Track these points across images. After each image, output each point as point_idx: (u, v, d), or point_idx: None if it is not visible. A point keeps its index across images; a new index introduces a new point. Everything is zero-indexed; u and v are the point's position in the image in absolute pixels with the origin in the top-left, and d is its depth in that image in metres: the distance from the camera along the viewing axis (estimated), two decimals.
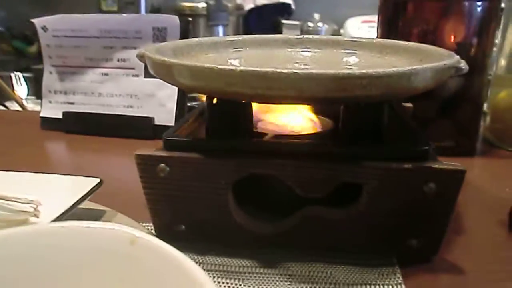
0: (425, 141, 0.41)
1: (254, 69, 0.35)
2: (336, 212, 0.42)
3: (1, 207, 0.40)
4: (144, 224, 0.47)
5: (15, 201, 0.42)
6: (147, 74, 0.79)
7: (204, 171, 0.41)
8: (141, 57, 0.45)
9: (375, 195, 0.40)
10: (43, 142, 0.81)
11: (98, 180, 0.49)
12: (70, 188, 0.49)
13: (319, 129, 0.49)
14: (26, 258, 0.28)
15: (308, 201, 0.42)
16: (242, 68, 0.35)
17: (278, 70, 0.34)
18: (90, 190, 0.47)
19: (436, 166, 0.39)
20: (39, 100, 0.89)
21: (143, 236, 0.29)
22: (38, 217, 0.43)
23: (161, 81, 0.47)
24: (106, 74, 0.81)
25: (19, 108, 1.26)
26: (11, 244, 0.29)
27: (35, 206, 0.42)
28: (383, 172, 0.39)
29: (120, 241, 0.30)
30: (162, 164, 0.41)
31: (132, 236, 0.30)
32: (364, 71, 0.34)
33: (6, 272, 0.28)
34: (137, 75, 0.80)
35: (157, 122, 0.78)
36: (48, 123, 0.85)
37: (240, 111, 0.44)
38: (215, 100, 0.43)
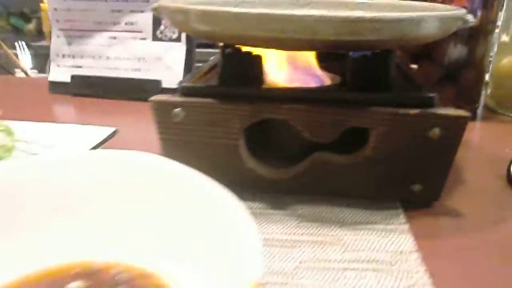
0: (430, 90, 0.43)
1: (270, 12, 0.36)
2: (343, 157, 0.44)
3: None
4: None
5: None
6: (155, 38, 0.80)
7: (218, 116, 0.43)
8: (156, 10, 0.46)
9: (381, 140, 0.42)
10: (52, 105, 0.83)
11: (114, 129, 0.50)
12: (86, 136, 0.51)
13: (328, 83, 0.51)
14: (68, 179, 0.30)
15: (317, 147, 0.44)
16: (258, 11, 0.36)
17: (293, 12, 0.35)
18: (106, 137, 0.48)
19: (441, 112, 0.40)
20: (41, 74, 0.90)
21: (164, 160, 0.31)
22: None
23: (168, 44, 0.49)
24: (114, 38, 0.82)
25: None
26: (54, 169, 0.31)
27: None
28: (390, 117, 0.41)
29: (143, 164, 0.32)
30: (178, 109, 0.43)
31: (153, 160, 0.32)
32: (375, 14, 0.36)
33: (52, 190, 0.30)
34: (144, 38, 0.81)
35: (164, 85, 0.79)
36: (56, 87, 0.86)
37: (253, 61, 0.45)
38: (229, 50, 0.45)
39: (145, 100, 0.44)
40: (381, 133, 0.42)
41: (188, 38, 0.79)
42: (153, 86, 0.79)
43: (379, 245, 0.38)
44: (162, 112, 0.43)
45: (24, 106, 0.79)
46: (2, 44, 1.21)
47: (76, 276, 0.28)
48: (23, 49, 1.50)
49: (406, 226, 0.41)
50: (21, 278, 0.28)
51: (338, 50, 0.51)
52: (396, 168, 0.43)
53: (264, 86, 0.46)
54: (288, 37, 0.37)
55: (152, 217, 0.30)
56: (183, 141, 0.44)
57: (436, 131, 0.40)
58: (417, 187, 0.44)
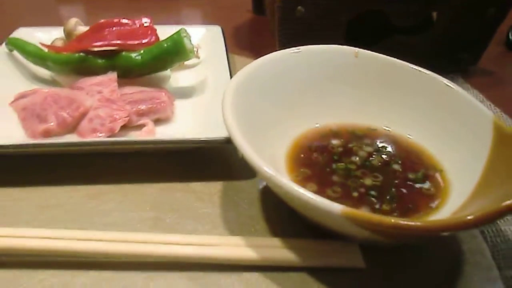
0: None
1: None
2: (413, 38, 0.57)
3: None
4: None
5: None
6: None
7: (330, 10, 0.53)
8: None
9: (447, 20, 0.55)
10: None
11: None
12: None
13: None
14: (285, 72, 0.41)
15: (396, 31, 0.56)
16: None
17: None
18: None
19: None
20: None
21: (364, 51, 0.42)
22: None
23: None
24: None
25: None
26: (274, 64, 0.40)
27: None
28: (458, 3, 0.54)
29: (346, 55, 0.42)
30: (300, 6, 0.52)
31: (355, 50, 0.42)
32: None
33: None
34: None
35: None
36: None
37: None
38: None
39: None
40: (449, 16, 0.55)
41: None
42: None
43: None
44: (287, 10, 0.52)
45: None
46: None
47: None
48: None
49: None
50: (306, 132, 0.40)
51: None
52: (453, 41, 0.58)
53: None
54: None
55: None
56: (299, 34, 0.54)
57: (492, 10, 0.55)
58: (464, 55, 0.59)
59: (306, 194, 0.27)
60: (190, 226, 0.35)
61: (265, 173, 0.29)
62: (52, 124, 0.41)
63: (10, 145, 0.37)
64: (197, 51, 0.52)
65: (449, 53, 0.59)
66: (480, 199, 0.31)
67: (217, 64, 0.51)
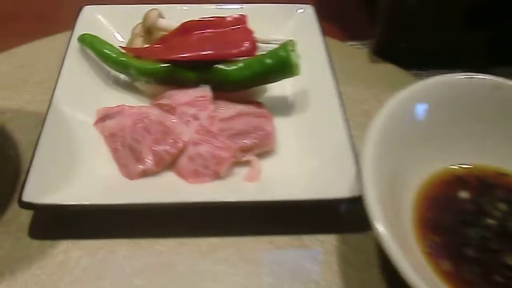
0: None
1: None
2: None
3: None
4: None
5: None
6: None
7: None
8: None
9: None
10: None
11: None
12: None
13: None
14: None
15: None
16: None
17: None
18: None
19: None
20: None
21: (506, 82, 0.36)
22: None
23: None
24: None
25: None
26: None
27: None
28: None
29: (485, 86, 0.36)
30: None
31: (496, 81, 0.36)
32: None
33: None
34: None
35: None
36: None
37: None
38: None
39: None
40: None
41: None
42: None
43: None
44: None
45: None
46: None
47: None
48: None
49: None
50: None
51: None
52: None
53: None
54: None
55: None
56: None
57: None
58: None
59: None
60: None
61: None
62: (150, 163, 0.37)
63: (122, 204, 0.34)
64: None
65: None
66: None
67: (314, 63, 0.44)
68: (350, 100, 0.43)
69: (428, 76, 0.37)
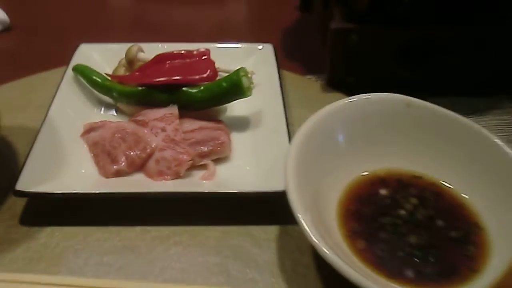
0: None
1: None
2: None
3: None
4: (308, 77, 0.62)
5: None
6: None
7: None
8: None
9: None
10: None
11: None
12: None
13: None
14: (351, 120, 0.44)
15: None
16: None
17: None
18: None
19: None
20: None
21: (416, 101, 0.44)
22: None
23: None
24: None
25: None
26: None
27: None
28: None
29: (398, 104, 0.44)
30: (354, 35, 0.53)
31: (408, 100, 0.44)
32: None
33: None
34: None
35: None
36: None
37: None
38: None
39: None
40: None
41: None
42: None
43: None
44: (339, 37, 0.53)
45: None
46: None
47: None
48: None
49: None
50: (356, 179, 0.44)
51: None
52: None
53: None
54: None
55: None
56: (350, 58, 0.55)
57: None
58: None
59: None
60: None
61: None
62: (123, 165, 0.45)
63: (98, 193, 0.42)
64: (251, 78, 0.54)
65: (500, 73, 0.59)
66: None
67: (269, 90, 0.53)
68: (300, 119, 0.51)
69: None
